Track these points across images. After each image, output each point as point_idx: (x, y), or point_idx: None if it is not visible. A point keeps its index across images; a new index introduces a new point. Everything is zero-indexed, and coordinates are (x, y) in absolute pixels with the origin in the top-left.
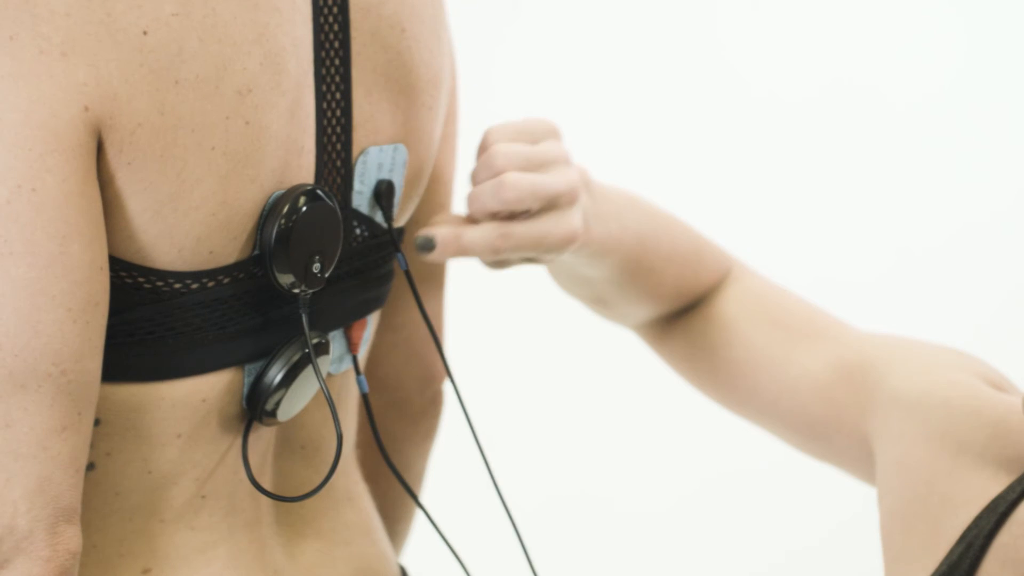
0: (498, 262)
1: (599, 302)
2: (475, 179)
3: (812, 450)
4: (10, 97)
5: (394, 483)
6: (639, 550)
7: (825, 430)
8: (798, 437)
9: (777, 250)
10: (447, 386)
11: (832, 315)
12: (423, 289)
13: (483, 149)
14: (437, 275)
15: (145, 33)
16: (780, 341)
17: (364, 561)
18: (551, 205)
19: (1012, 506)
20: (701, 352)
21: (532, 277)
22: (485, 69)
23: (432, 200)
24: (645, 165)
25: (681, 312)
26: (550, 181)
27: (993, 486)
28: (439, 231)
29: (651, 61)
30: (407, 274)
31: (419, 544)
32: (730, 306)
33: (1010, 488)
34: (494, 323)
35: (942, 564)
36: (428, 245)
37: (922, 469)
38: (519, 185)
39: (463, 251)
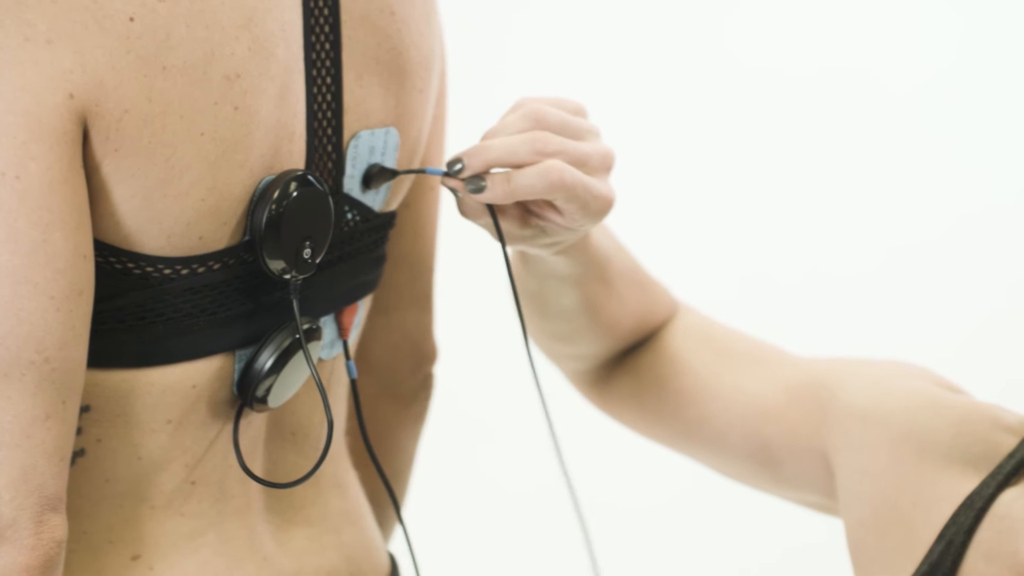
0: (522, 236)
1: (562, 339)
2: (506, 129)
3: (762, 479)
4: None
5: (386, 470)
6: (633, 545)
7: (778, 453)
8: (749, 465)
9: (770, 239)
10: (438, 369)
11: (776, 346)
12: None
13: (517, 108)
14: (428, 238)
15: (132, 20)
16: (728, 369)
17: (352, 548)
18: (589, 169)
19: (988, 501)
20: (648, 387)
21: None
22: (493, 59)
23: (423, 183)
24: (640, 156)
25: (626, 353)
26: (587, 146)
27: (963, 484)
28: (491, 181)
29: (647, 51)
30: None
31: (413, 533)
32: (676, 339)
33: (984, 484)
34: (489, 312)
35: (923, 563)
36: (478, 187)
37: (888, 474)
38: (564, 144)
39: (514, 192)
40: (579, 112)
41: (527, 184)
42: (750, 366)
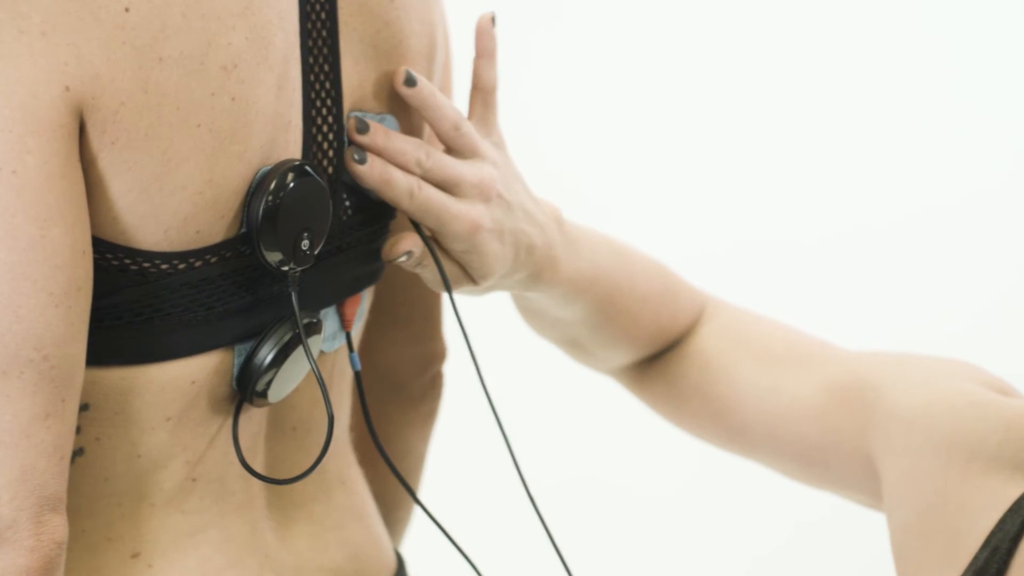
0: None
1: (574, 345)
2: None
3: (810, 477)
4: None
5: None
6: (648, 533)
7: (823, 455)
8: (795, 466)
9: (785, 207)
10: (447, 368)
11: (814, 337)
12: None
13: None
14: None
15: (127, 10)
16: (766, 372)
17: (357, 546)
18: (458, 191)
19: None
20: (685, 393)
21: None
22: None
23: None
24: (656, 126)
25: (658, 355)
26: (463, 168)
27: (1011, 489)
28: (373, 160)
29: (658, 24)
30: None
31: (422, 533)
32: (709, 343)
33: None
34: (505, 306)
35: (967, 570)
36: (361, 159)
37: (934, 479)
38: (433, 155)
39: (386, 182)
40: (466, 127)
41: (394, 179)
42: (789, 367)
